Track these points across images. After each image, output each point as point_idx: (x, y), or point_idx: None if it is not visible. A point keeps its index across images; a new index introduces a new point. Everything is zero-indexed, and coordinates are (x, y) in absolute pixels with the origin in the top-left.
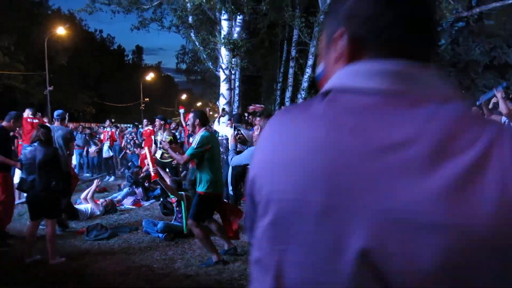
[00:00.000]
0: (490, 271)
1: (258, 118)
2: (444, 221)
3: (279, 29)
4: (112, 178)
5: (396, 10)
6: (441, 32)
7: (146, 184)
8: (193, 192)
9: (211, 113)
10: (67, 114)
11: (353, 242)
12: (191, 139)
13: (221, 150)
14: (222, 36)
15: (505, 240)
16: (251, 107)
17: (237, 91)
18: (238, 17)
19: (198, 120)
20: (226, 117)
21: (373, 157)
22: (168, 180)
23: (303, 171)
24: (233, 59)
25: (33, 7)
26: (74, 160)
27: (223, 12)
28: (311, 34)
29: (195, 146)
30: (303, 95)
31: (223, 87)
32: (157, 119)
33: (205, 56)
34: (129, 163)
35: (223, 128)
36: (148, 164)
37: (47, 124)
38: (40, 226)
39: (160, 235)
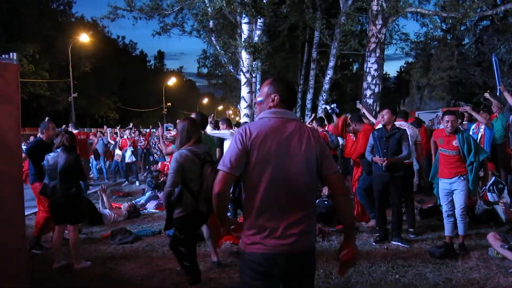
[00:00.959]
0: (317, 163)
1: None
2: (302, 153)
3: (300, 31)
4: (137, 183)
5: (291, 92)
6: (464, 31)
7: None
8: None
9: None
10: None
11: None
12: None
13: None
14: (243, 39)
15: (320, 153)
16: None
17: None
18: (259, 20)
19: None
20: (248, 119)
21: (283, 135)
22: None
23: (268, 138)
24: (254, 62)
25: (57, 15)
26: None
27: (244, 15)
28: (332, 35)
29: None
30: (324, 97)
31: (244, 91)
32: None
33: (226, 60)
34: (152, 167)
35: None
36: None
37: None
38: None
39: None
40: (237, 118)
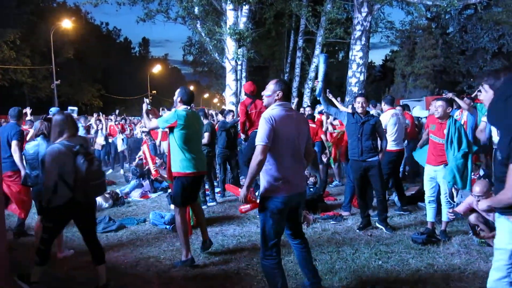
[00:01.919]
0: (305, 136)
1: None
2: (301, 131)
3: (286, 18)
4: (122, 171)
5: (289, 90)
6: (449, 20)
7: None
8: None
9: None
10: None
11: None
12: None
13: None
14: (228, 26)
15: (308, 132)
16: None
17: (244, 82)
18: (244, 7)
19: (179, 98)
20: (233, 107)
21: (294, 120)
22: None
23: (285, 122)
24: (239, 50)
25: (38, 0)
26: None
27: (229, 2)
28: (318, 23)
29: (164, 119)
30: (310, 85)
31: (230, 78)
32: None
33: (211, 47)
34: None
35: None
36: (147, 161)
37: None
38: None
39: (168, 226)
40: (223, 106)
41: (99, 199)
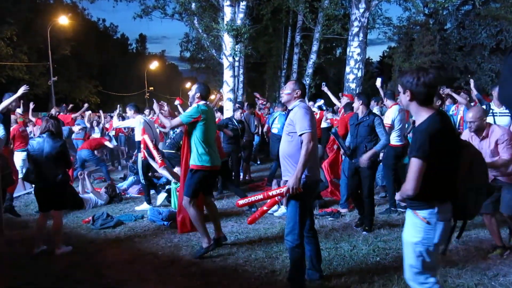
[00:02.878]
0: (291, 125)
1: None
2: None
3: (283, 14)
4: (119, 168)
5: (304, 88)
6: (447, 16)
7: (149, 174)
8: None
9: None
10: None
11: None
12: None
13: None
14: (225, 22)
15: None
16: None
17: (241, 78)
18: (241, 3)
19: (199, 94)
20: (230, 103)
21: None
22: (176, 168)
23: (311, 113)
24: (237, 46)
25: None
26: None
27: None
28: (315, 19)
29: (188, 114)
30: (307, 82)
31: (227, 74)
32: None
33: (208, 44)
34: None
35: None
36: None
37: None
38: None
39: (165, 223)
40: (220, 103)
41: (92, 196)
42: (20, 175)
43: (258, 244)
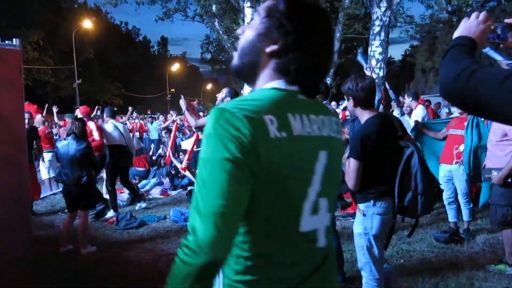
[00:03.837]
0: None
1: None
2: None
3: None
4: None
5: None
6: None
7: (173, 172)
8: None
9: None
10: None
11: None
12: None
13: None
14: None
15: None
16: None
17: None
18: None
19: (229, 98)
20: None
21: None
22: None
23: None
24: None
25: (60, 2)
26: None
27: None
28: (335, 19)
29: None
30: (328, 81)
31: None
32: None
33: (229, 45)
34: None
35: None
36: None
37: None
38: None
39: (188, 223)
40: None
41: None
42: (47, 176)
43: None
